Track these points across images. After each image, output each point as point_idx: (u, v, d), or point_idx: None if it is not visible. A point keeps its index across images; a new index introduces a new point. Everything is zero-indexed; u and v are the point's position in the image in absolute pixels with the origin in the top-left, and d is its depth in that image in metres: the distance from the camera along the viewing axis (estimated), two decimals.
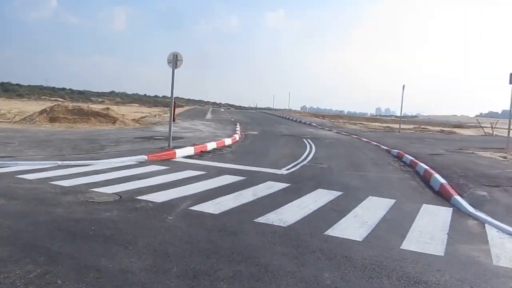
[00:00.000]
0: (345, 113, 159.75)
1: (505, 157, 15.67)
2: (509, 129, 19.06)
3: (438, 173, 10.56)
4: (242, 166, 11.03)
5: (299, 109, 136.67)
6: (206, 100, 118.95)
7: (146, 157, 11.06)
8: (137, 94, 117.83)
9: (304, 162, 12.42)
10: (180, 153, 12.30)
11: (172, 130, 13.78)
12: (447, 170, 11.26)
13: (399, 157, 14.98)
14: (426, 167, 11.61)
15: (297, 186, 8.75)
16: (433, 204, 7.91)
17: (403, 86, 33.00)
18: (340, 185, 9.14)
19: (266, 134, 23.87)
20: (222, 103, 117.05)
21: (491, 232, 6.13)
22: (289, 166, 11.44)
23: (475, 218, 6.91)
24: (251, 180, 9.11)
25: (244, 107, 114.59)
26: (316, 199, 7.64)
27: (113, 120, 22.81)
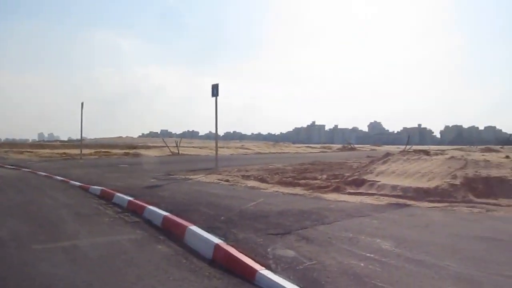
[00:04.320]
0: (2, 140, 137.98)
1: (227, 180, 13.60)
2: (216, 148, 17.58)
3: (190, 220, 6.84)
4: None
5: None
6: None
7: None
8: None
9: None
10: None
11: None
12: (195, 214, 7.68)
13: (106, 198, 10.32)
14: (162, 212, 7.64)
15: None
16: None
17: (82, 103, 28.14)
18: None
19: None
20: None
21: None
22: None
23: None
24: None
25: None
26: None
27: None
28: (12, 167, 21.41)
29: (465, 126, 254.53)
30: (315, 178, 13.65)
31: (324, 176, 14.15)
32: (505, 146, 38.33)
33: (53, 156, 32.86)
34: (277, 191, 11.18)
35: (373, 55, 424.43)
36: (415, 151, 17.63)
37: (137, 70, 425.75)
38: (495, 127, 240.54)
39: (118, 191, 10.41)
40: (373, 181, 11.44)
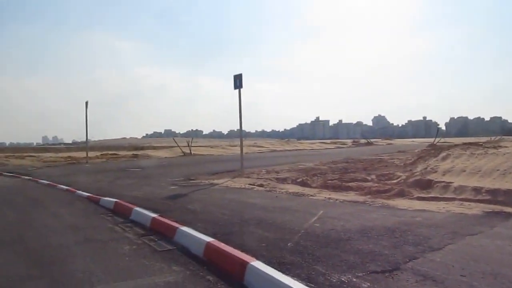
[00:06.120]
0: (7, 145, 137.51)
1: (261, 185, 11.62)
2: (241, 147, 15.55)
3: (247, 251, 4.85)
4: None
5: None
6: None
7: None
8: None
9: None
10: None
11: None
12: (249, 238, 5.70)
13: (122, 213, 8.23)
14: (202, 236, 5.62)
15: None
16: None
17: (86, 102, 26.18)
18: None
19: None
20: None
21: None
22: None
23: None
24: None
25: None
26: None
27: None
28: (11, 174, 19.52)
29: (471, 117, 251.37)
30: (365, 180, 11.64)
31: (374, 177, 12.14)
32: None
33: (57, 161, 30.87)
34: (330, 198, 9.16)
35: (374, 50, 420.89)
36: (466, 143, 15.50)
37: (138, 71, 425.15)
38: (501, 117, 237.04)
39: (136, 204, 8.42)
40: (443, 182, 9.43)
